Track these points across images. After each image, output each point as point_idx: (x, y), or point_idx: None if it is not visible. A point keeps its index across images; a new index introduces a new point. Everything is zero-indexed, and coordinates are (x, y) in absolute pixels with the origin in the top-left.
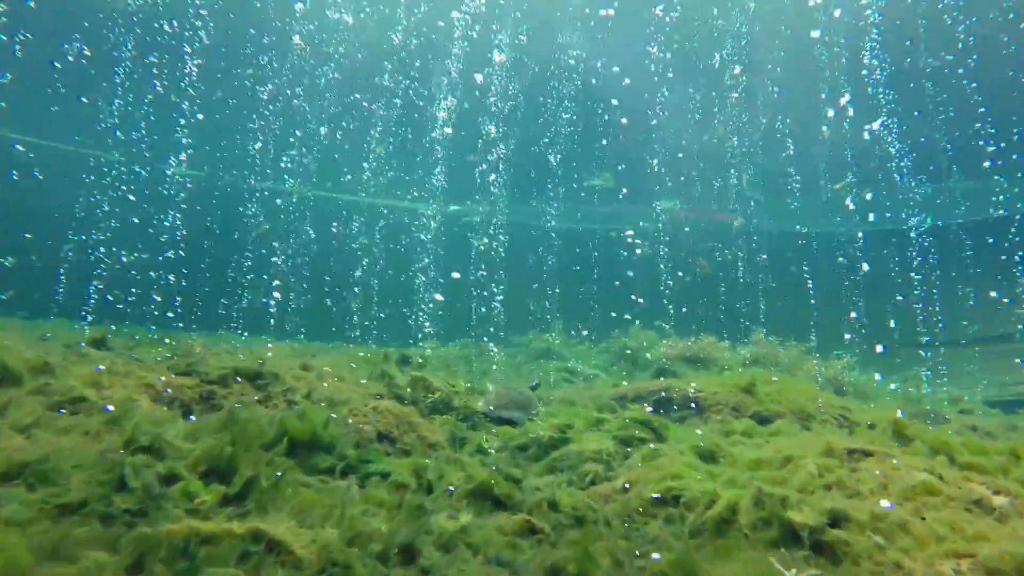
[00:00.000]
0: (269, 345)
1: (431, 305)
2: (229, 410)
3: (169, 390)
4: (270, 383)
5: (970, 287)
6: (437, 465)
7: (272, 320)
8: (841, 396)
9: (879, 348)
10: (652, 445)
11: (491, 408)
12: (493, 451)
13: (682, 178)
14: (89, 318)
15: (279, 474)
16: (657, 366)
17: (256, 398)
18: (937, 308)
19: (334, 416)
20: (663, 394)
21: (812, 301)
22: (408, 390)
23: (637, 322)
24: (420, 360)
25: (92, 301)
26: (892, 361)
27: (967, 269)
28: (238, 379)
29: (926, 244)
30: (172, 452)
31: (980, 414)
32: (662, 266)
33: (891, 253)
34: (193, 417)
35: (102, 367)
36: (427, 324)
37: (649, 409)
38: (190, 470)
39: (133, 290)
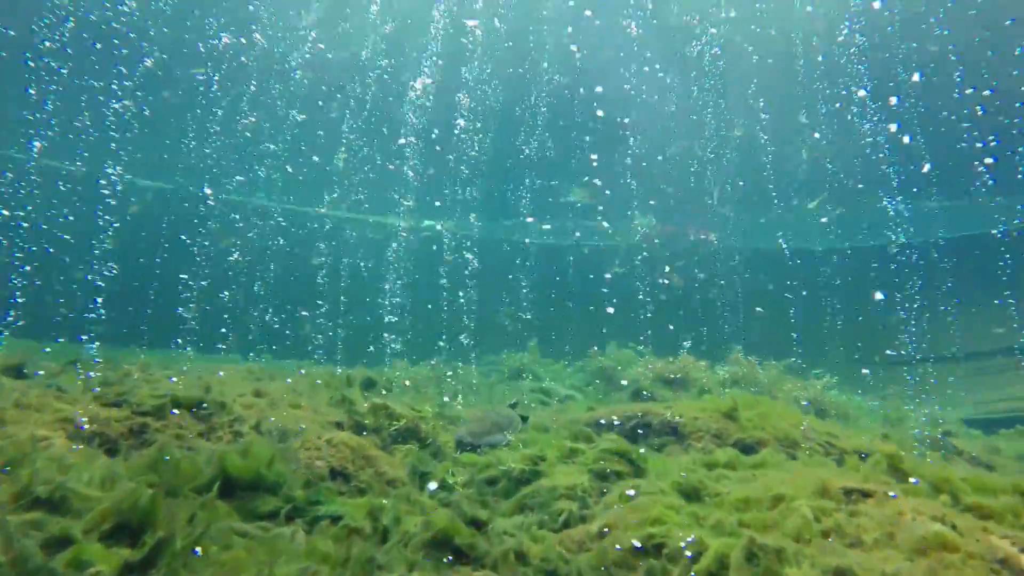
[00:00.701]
0: (221, 373)
1: (401, 323)
2: (159, 447)
3: (89, 425)
4: (214, 413)
5: (949, 304)
6: (394, 506)
7: (232, 338)
8: (823, 418)
9: (865, 371)
10: (630, 481)
11: (469, 437)
12: (459, 487)
13: (667, 189)
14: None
15: (203, 529)
16: (634, 387)
17: (197, 431)
18: (916, 325)
19: (286, 449)
20: (641, 419)
21: (791, 319)
22: (370, 418)
23: (613, 341)
24: (386, 383)
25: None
26: (871, 379)
27: (945, 286)
28: (176, 409)
29: (904, 261)
30: (78, 505)
31: (960, 435)
32: (639, 284)
33: (869, 270)
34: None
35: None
36: (397, 343)
37: (626, 436)
38: (91, 529)
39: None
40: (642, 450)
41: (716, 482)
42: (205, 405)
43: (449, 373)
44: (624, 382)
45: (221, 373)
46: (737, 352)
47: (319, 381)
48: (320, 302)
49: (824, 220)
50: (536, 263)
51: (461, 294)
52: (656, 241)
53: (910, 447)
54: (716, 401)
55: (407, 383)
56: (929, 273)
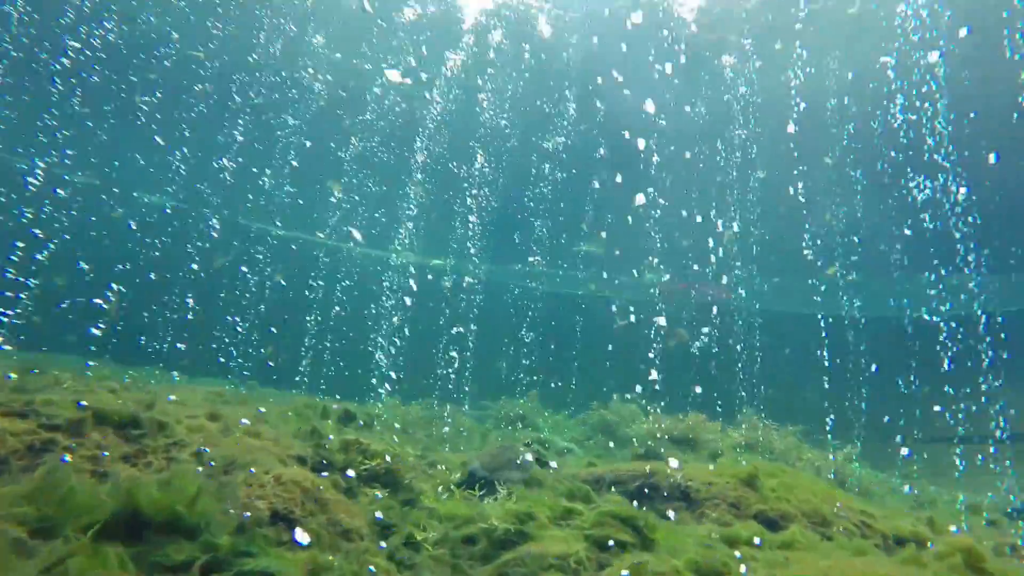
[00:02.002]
0: (172, 397)
1: (396, 360)
2: (48, 470)
3: None
4: (148, 433)
5: (992, 381)
6: (341, 566)
7: (220, 362)
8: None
9: (902, 448)
10: (635, 554)
11: (483, 470)
12: (429, 546)
13: (683, 242)
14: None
15: None
16: (640, 444)
17: (121, 453)
18: (953, 402)
19: (223, 484)
20: (648, 480)
21: (810, 386)
22: (340, 455)
23: (615, 395)
24: (366, 419)
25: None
26: (894, 454)
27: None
28: (100, 426)
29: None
30: None
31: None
32: (650, 338)
33: (892, 341)
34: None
35: None
36: (389, 380)
37: (630, 497)
38: None
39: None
40: (650, 516)
41: (741, 563)
42: (138, 423)
43: (443, 415)
44: (629, 436)
45: (172, 397)
46: (751, 415)
47: (289, 413)
48: (315, 333)
49: (846, 284)
50: (543, 310)
51: (461, 335)
52: (673, 296)
53: (979, 539)
54: (733, 466)
55: (396, 425)
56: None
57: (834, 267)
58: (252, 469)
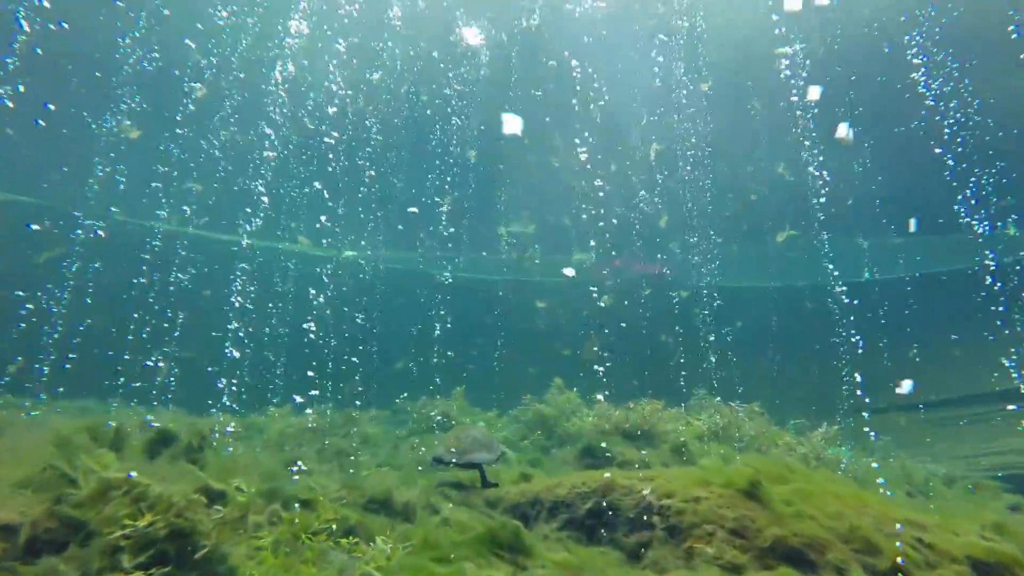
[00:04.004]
0: None
1: (287, 364)
2: None
3: None
4: None
5: (941, 342)
6: None
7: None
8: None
9: (865, 422)
10: None
11: (448, 455)
12: None
13: (602, 224)
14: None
15: None
16: (584, 442)
17: None
18: (897, 368)
19: None
20: (603, 497)
21: (769, 360)
22: (92, 510)
23: (556, 381)
24: (196, 440)
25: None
26: (844, 427)
27: (935, 322)
28: None
29: (885, 295)
30: None
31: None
32: (585, 322)
33: (846, 305)
34: None
35: None
36: (274, 385)
37: (581, 529)
38: None
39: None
40: None
41: None
42: None
43: (340, 423)
44: (571, 432)
45: None
46: (705, 397)
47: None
48: (172, 336)
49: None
50: (461, 298)
51: (369, 330)
52: (605, 275)
53: None
54: (723, 470)
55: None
56: (906, 309)
57: (784, 233)
58: None
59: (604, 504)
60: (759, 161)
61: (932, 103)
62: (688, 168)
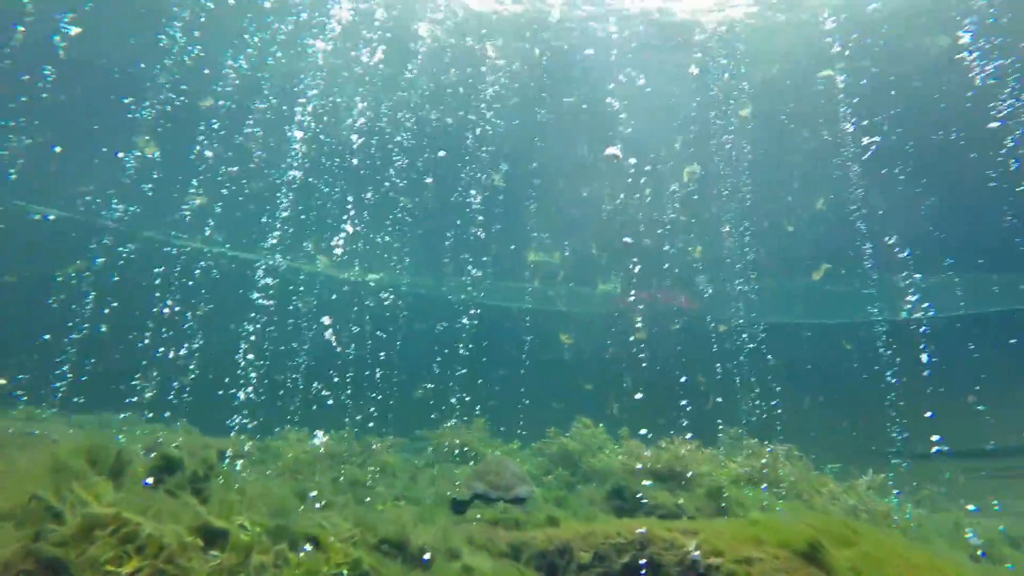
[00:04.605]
0: None
1: (309, 387)
2: None
3: None
4: None
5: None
6: None
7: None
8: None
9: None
10: None
11: (488, 489)
12: None
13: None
14: None
15: None
16: (614, 482)
17: None
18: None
19: None
20: (641, 552)
21: (805, 400)
22: (74, 549)
23: (582, 418)
24: (203, 469)
25: None
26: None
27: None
28: None
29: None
30: None
31: None
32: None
33: (891, 345)
34: None
35: None
36: (294, 408)
37: None
38: None
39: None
40: None
41: None
42: None
43: (358, 451)
44: (597, 469)
45: None
46: (736, 435)
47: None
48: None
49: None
50: (487, 325)
51: (389, 356)
52: (638, 306)
53: None
54: (777, 526)
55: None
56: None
57: (821, 270)
58: None
59: (643, 560)
60: (798, 192)
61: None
62: (725, 194)
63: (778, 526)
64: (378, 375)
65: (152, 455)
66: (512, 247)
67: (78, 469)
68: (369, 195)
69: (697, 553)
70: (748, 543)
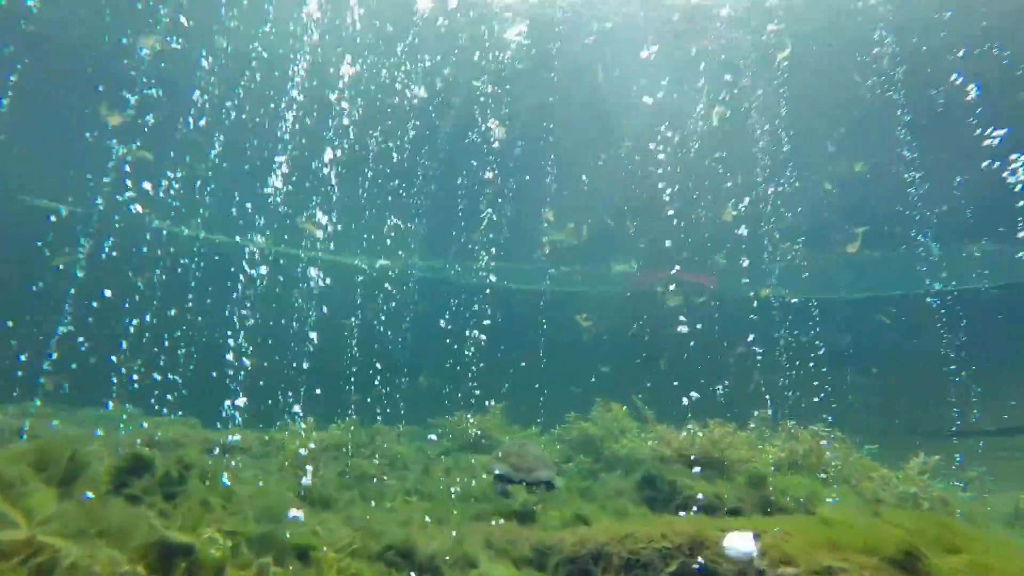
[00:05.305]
0: None
1: (312, 375)
2: None
3: None
4: None
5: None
6: None
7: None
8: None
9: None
10: None
11: (511, 471)
12: None
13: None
14: None
15: None
16: (644, 471)
17: None
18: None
19: None
20: (693, 559)
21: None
22: None
23: (601, 401)
24: (177, 470)
25: None
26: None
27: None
28: None
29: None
30: None
31: None
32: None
33: (924, 321)
34: None
35: None
36: (302, 399)
37: None
38: None
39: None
40: None
41: None
42: None
43: (367, 440)
44: (621, 455)
45: None
46: (766, 418)
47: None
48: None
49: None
50: (504, 308)
51: (401, 340)
52: (658, 287)
53: None
54: (856, 527)
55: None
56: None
57: (855, 242)
58: None
59: (695, 567)
60: (835, 156)
61: None
62: (756, 152)
63: (858, 527)
64: (386, 365)
65: (120, 455)
66: (525, 225)
67: (12, 478)
68: (377, 179)
69: (762, 560)
70: (823, 548)
